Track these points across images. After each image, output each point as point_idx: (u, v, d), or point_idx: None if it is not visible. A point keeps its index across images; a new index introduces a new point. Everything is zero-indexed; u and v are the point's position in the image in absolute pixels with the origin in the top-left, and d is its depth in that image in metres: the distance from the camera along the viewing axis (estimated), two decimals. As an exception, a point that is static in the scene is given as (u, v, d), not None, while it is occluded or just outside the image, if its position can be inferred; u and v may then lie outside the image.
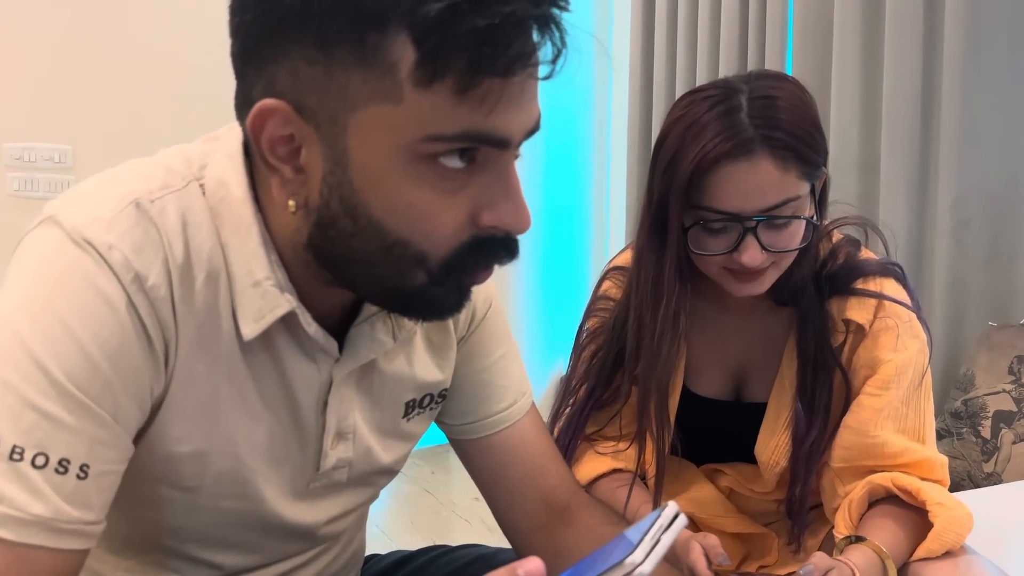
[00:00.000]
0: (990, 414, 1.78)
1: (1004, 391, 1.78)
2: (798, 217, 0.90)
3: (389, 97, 0.51)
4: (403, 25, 0.49)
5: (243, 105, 0.57)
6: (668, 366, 0.99)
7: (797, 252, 0.93)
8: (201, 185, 0.61)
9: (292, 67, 0.53)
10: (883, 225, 2.09)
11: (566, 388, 1.12)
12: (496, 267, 0.60)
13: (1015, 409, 1.76)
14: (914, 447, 0.94)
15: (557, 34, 0.52)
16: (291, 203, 0.57)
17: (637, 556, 0.47)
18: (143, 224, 0.57)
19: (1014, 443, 1.73)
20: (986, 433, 1.77)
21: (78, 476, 0.54)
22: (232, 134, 0.62)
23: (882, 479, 0.93)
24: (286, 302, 0.60)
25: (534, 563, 0.46)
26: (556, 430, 1.11)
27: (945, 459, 0.96)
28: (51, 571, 0.54)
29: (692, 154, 0.87)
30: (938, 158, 2.05)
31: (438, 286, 0.58)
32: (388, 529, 2.35)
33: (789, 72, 2.48)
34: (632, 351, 1.01)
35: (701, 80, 2.75)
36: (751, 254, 0.88)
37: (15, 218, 2.50)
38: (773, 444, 1.02)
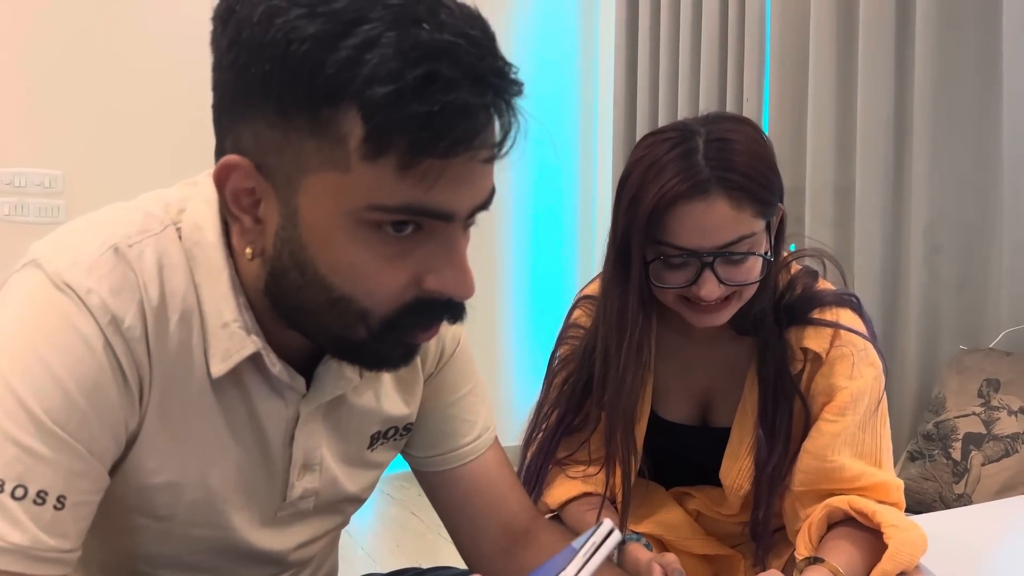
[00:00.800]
0: (960, 436, 1.81)
1: (974, 414, 1.82)
2: (753, 254, 0.94)
3: (338, 165, 0.54)
4: (353, 102, 0.52)
5: (217, 155, 0.61)
6: (632, 395, 1.02)
7: (756, 284, 0.97)
8: (178, 229, 0.64)
9: (255, 128, 0.56)
10: (857, 250, 2.15)
11: (538, 413, 1.14)
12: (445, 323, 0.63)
13: (984, 431, 1.79)
14: (870, 471, 0.97)
15: (505, 119, 0.55)
16: (248, 250, 0.61)
17: (570, 572, 0.50)
18: (121, 268, 0.60)
19: (983, 465, 1.76)
20: (956, 455, 1.80)
21: (55, 507, 0.57)
22: (210, 181, 0.65)
23: (840, 502, 0.96)
24: (252, 343, 0.64)
25: None
26: (528, 455, 1.14)
27: (901, 482, 0.99)
28: None
29: (652, 193, 0.92)
30: (911, 185, 2.10)
31: (378, 342, 0.61)
32: (372, 551, 2.36)
33: (767, 99, 2.53)
34: (599, 380, 1.04)
35: (683, 110, 2.81)
36: (708, 288, 0.93)
37: (5, 242, 2.52)
38: (737, 468, 1.05)
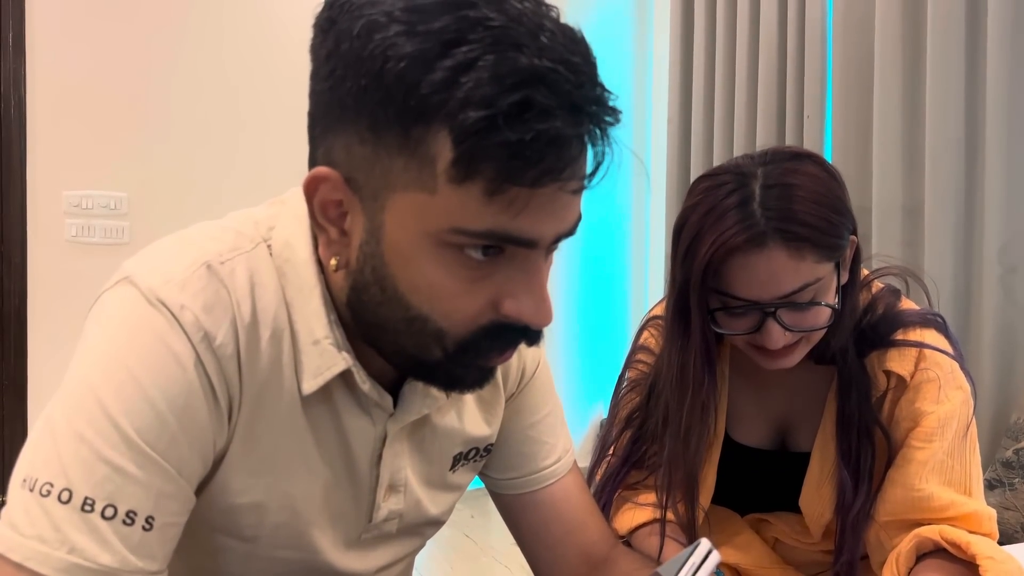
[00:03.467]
0: (1043, 465, 1.74)
1: (1058, 441, 1.74)
2: (818, 304, 0.90)
3: (425, 186, 0.54)
4: (445, 125, 0.52)
5: (310, 163, 0.61)
6: (697, 456, 1.00)
7: (824, 330, 0.94)
8: (269, 246, 0.64)
9: (347, 142, 0.56)
10: (928, 272, 2.09)
11: (605, 437, 1.12)
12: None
13: (1070, 460, 1.71)
14: (960, 500, 0.93)
15: (599, 149, 0.54)
16: (333, 261, 0.60)
17: None
18: (214, 285, 0.60)
19: (1069, 495, 1.68)
20: (1040, 484, 1.73)
21: (144, 528, 0.56)
22: (298, 198, 0.65)
23: (930, 532, 0.91)
24: (343, 360, 0.63)
25: None
26: (596, 478, 1.11)
27: (993, 512, 0.94)
28: None
29: (707, 244, 0.89)
30: (984, 203, 2.04)
31: (453, 363, 0.60)
32: (427, 573, 2.35)
33: (829, 116, 2.48)
34: (661, 430, 1.02)
35: (739, 129, 2.76)
36: (773, 337, 0.90)
37: (72, 263, 2.59)
38: (819, 496, 1.01)
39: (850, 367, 0.97)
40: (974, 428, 0.97)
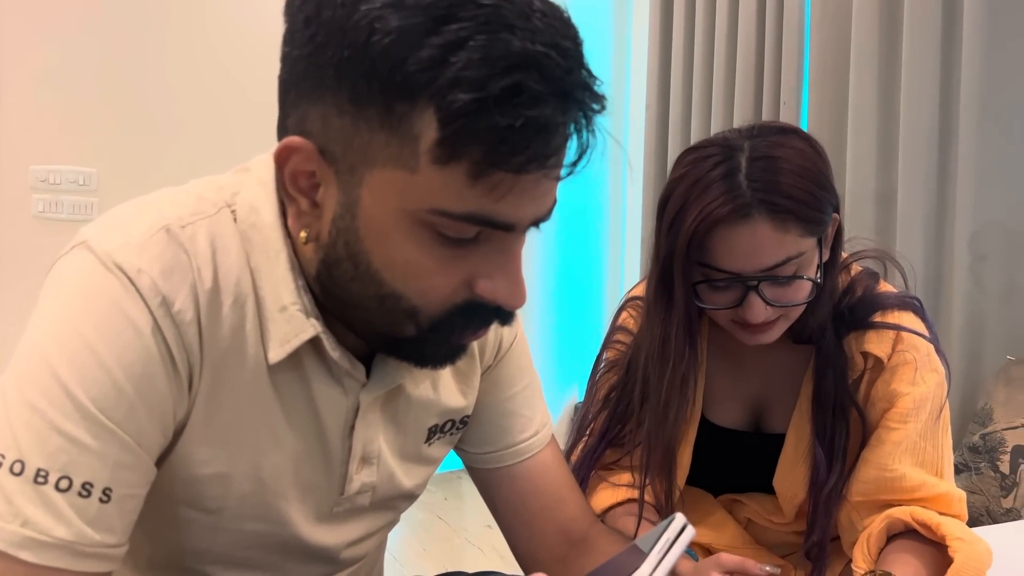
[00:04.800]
0: (1008, 449, 1.77)
1: (1023, 426, 1.77)
2: (800, 277, 0.90)
3: (406, 164, 0.53)
4: (431, 104, 0.50)
5: (279, 130, 0.59)
6: (675, 430, 1.00)
7: (805, 305, 0.94)
8: (232, 211, 0.62)
9: (324, 112, 0.54)
10: (900, 258, 2.10)
11: (583, 418, 1.12)
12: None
13: (1034, 444, 1.74)
14: (932, 481, 0.94)
15: (584, 137, 0.54)
16: (303, 234, 0.59)
17: (645, 569, 0.47)
18: (173, 249, 0.58)
19: (1033, 479, 1.72)
20: (1005, 468, 1.76)
21: (101, 500, 0.55)
22: (264, 164, 0.63)
23: (901, 513, 0.92)
24: (311, 327, 0.61)
25: None
26: (572, 459, 1.11)
27: (963, 494, 0.95)
28: None
29: (693, 215, 0.89)
30: (955, 192, 2.06)
31: (425, 340, 0.59)
32: (400, 556, 2.35)
33: (805, 103, 2.49)
34: (640, 405, 1.02)
35: (717, 114, 2.77)
36: (755, 311, 0.90)
37: (39, 239, 2.54)
38: (792, 476, 1.02)
39: (828, 347, 0.97)
40: (947, 411, 0.98)
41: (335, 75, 0.53)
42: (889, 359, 0.97)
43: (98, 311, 0.56)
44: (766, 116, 2.60)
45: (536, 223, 0.58)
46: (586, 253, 3.33)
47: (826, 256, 0.96)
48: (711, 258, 0.90)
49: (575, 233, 3.26)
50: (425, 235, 0.55)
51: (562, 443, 1.14)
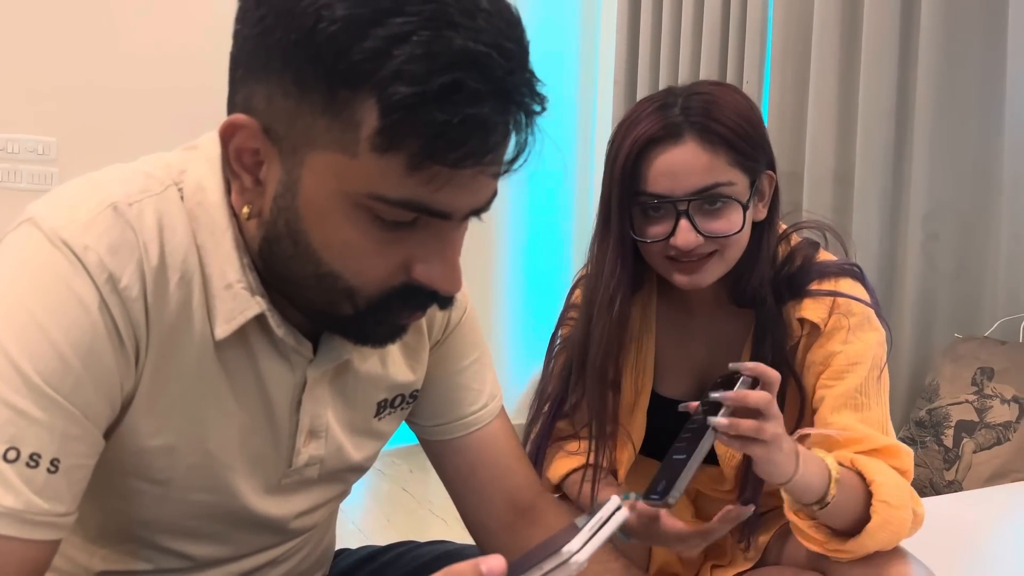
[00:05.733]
0: (953, 424, 1.83)
1: (967, 401, 1.83)
2: (729, 198, 0.93)
3: (346, 149, 0.54)
4: (373, 93, 0.52)
5: (228, 105, 0.60)
6: (600, 351, 1.02)
7: (745, 248, 0.97)
8: (180, 189, 0.63)
9: (269, 92, 0.55)
10: (855, 237, 2.15)
11: (540, 396, 1.14)
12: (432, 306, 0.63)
13: (977, 419, 1.80)
14: (876, 433, 0.94)
15: (522, 137, 0.55)
16: (245, 209, 0.60)
17: (573, 545, 0.50)
18: (119, 226, 0.59)
19: (975, 452, 1.78)
20: (948, 442, 1.82)
21: (48, 470, 0.56)
22: (212, 142, 0.64)
23: (842, 457, 0.92)
24: (256, 304, 0.63)
25: (496, 560, 0.48)
26: (532, 434, 1.13)
27: (910, 449, 0.95)
28: (22, 561, 0.56)
29: (628, 142, 0.94)
30: (911, 173, 2.10)
31: (364, 320, 0.61)
32: (364, 527, 2.37)
33: (767, 82, 2.52)
34: (582, 341, 1.04)
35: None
36: (684, 236, 0.93)
37: (-3, 209, 2.49)
38: None
39: (767, 314, 1.00)
40: (886, 374, 0.99)
41: (282, 57, 0.54)
42: (825, 324, 0.98)
43: (45, 287, 0.57)
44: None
45: (474, 213, 0.59)
46: (554, 235, 3.35)
47: (762, 214, 0.99)
48: (643, 183, 0.94)
49: (544, 215, 3.28)
50: (363, 218, 0.56)
51: (524, 419, 1.17)
